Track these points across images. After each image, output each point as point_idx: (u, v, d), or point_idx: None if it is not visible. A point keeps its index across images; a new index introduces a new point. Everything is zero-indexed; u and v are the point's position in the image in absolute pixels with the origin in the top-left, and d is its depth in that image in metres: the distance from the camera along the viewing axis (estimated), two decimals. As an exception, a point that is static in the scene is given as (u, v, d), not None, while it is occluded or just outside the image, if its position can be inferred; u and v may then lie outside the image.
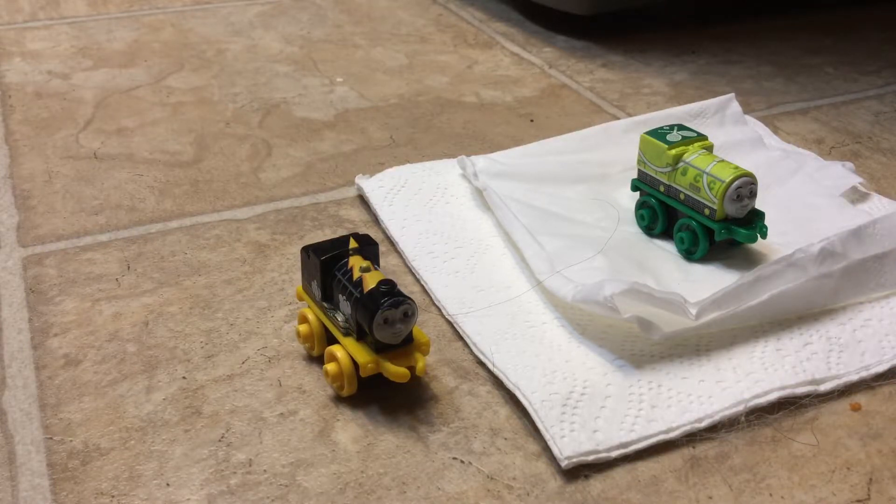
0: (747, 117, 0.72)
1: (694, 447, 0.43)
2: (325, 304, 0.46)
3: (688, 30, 0.97)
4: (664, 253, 0.56)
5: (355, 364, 0.44)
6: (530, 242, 0.53)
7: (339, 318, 0.45)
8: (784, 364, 0.46)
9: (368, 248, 0.47)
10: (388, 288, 0.43)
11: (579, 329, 0.48)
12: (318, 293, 0.46)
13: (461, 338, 0.49)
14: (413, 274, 0.55)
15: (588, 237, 0.55)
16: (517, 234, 0.54)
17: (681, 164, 0.54)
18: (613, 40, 0.94)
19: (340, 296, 0.45)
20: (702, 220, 0.54)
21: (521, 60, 0.89)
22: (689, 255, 0.55)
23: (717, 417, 0.43)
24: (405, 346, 0.44)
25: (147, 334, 0.50)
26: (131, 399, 0.45)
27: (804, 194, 0.61)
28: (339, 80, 0.84)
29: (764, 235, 0.53)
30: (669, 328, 0.47)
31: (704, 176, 0.53)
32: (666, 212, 0.56)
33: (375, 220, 0.60)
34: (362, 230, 0.59)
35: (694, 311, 0.46)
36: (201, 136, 0.72)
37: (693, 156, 0.54)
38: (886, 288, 0.51)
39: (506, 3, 1.06)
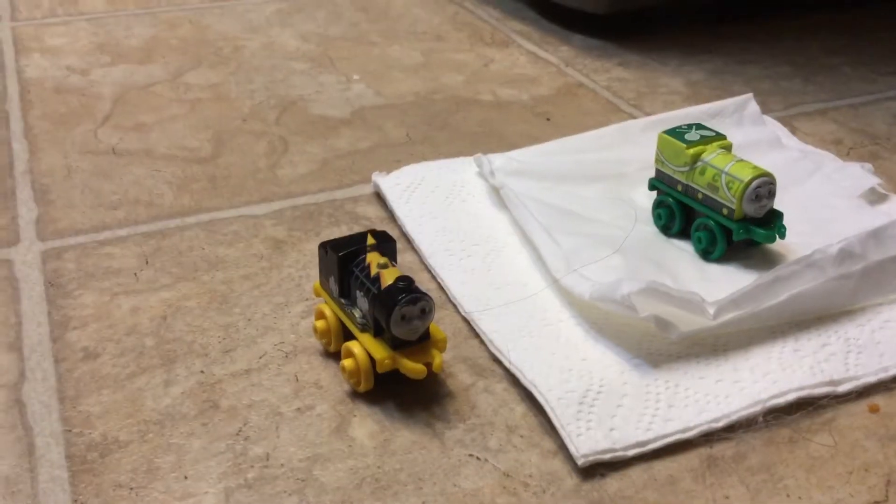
0: (765, 117, 0.71)
1: (711, 447, 0.42)
2: (343, 301, 0.46)
3: (704, 29, 0.97)
4: (681, 252, 0.56)
5: (372, 360, 0.44)
6: (547, 241, 0.53)
7: (357, 314, 0.45)
8: (802, 365, 0.46)
9: (386, 244, 0.47)
10: (406, 284, 0.43)
11: (596, 327, 0.48)
12: (335, 289, 0.46)
13: (477, 335, 0.49)
14: (429, 271, 0.55)
15: (605, 236, 0.55)
16: (534, 233, 0.54)
17: (699, 163, 0.54)
18: (629, 39, 0.94)
19: (358, 292, 0.45)
20: (720, 220, 0.53)
21: (537, 59, 0.89)
22: (707, 254, 0.55)
23: (734, 417, 0.43)
24: (422, 343, 0.44)
25: (165, 328, 0.50)
26: (149, 392, 0.45)
27: (822, 195, 0.60)
28: (355, 77, 0.84)
29: (782, 236, 0.53)
30: (687, 328, 0.47)
31: (723, 175, 0.53)
32: (683, 211, 0.56)
33: (392, 218, 0.61)
34: (379, 227, 0.59)
35: (712, 311, 0.46)
36: (218, 132, 0.73)
37: (711, 155, 0.54)
38: (905, 289, 0.51)
39: (522, 1, 1.06)
